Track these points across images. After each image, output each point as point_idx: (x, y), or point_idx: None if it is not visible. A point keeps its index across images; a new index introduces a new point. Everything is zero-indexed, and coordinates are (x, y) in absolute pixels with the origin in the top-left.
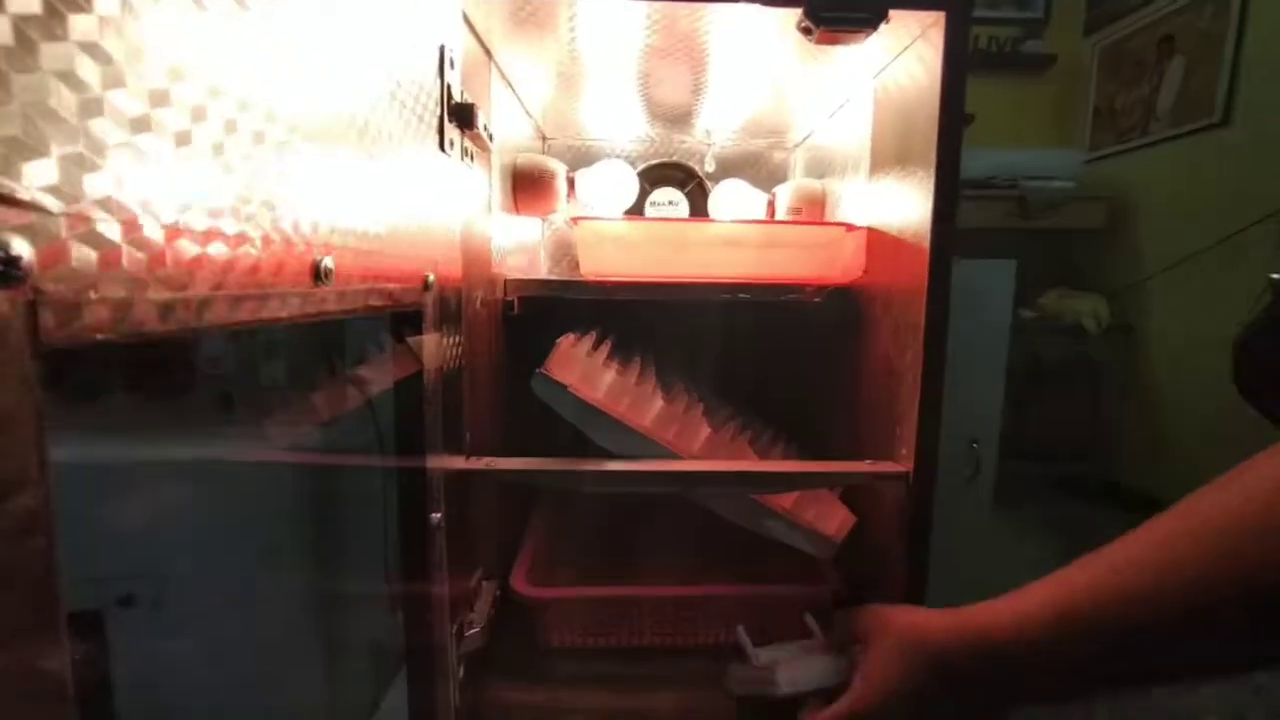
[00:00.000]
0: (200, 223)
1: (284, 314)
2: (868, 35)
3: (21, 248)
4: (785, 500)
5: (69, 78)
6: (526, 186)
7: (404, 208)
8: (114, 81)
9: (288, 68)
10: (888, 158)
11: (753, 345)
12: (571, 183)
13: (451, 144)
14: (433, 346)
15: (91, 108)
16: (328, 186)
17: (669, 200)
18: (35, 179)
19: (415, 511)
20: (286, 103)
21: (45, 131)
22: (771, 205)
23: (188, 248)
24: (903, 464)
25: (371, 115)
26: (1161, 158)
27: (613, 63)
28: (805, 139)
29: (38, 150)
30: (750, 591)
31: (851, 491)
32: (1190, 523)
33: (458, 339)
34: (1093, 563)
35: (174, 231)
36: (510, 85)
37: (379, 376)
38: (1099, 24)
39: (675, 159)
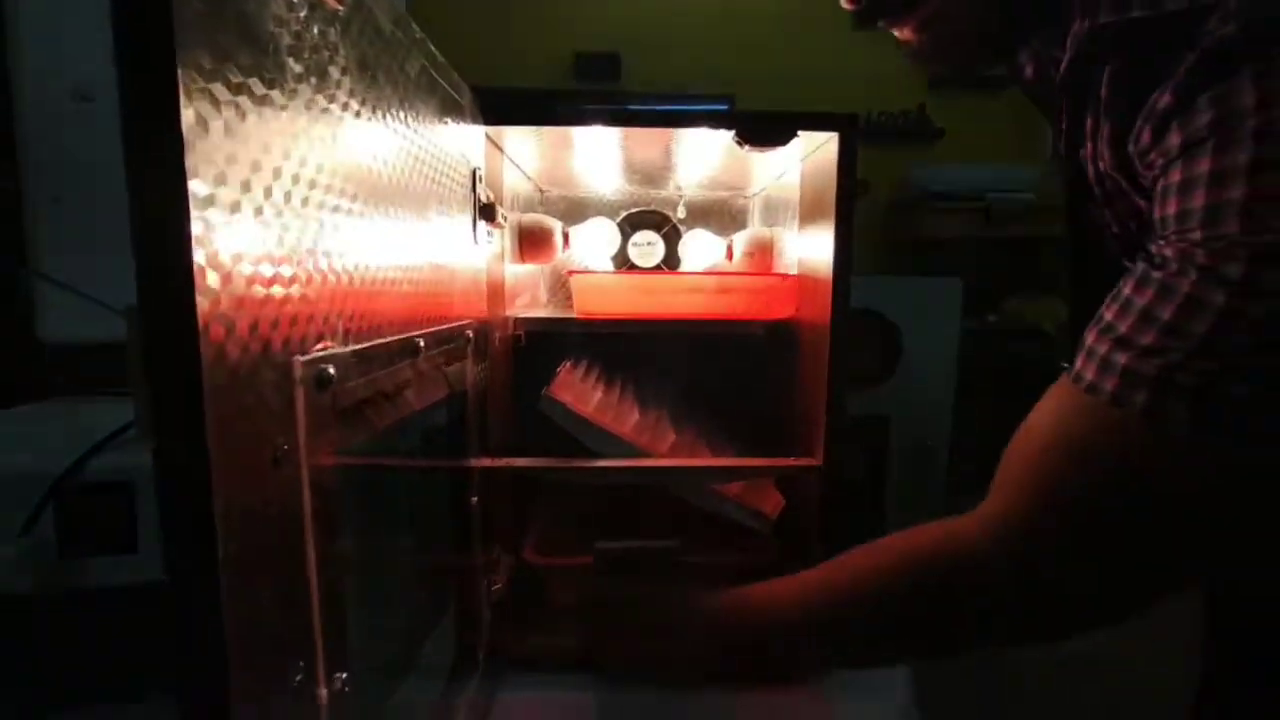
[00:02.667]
0: (387, 330)
1: (408, 376)
2: (784, 146)
3: (331, 371)
4: (734, 488)
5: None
6: (530, 241)
7: (454, 283)
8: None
9: (410, 213)
10: (809, 217)
11: (710, 368)
12: (566, 236)
13: (480, 232)
14: (470, 374)
15: (362, 285)
16: (418, 283)
17: (648, 241)
18: (336, 329)
19: (461, 497)
20: (407, 240)
21: (326, 304)
22: (730, 250)
23: (382, 349)
24: (816, 459)
25: (442, 226)
26: None
27: (595, 154)
28: (760, 191)
29: (324, 316)
30: (709, 559)
31: (783, 481)
32: (834, 572)
33: (484, 366)
34: (786, 580)
35: (375, 345)
36: (514, 164)
37: (436, 397)
38: None
39: (652, 207)
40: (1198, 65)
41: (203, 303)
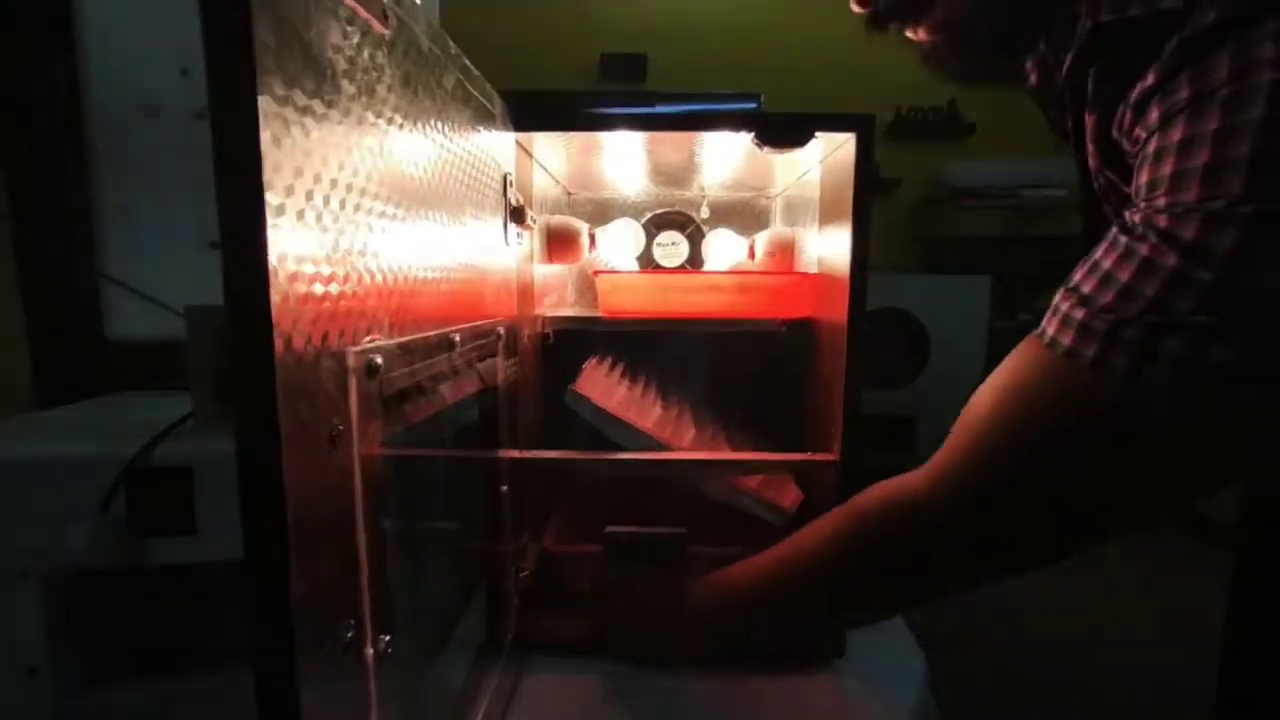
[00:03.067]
0: (427, 325)
1: (444, 369)
2: (802, 148)
3: (379, 361)
4: (752, 482)
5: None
6: (558, 242)
7: (486, 283)
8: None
9: (446, 217)
10: (828, 217)
11: (731, 365)
12: (593, 237)
13: (510, 234)
14: (501, 370)
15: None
16: (455, 282)
17: (672, 241)
18: (383, 326)
19: (493, 485)
20: (444, 242)
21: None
22: (752, 249)
23: (422, 343)
24: (834, 454)
25: (476, 230)
26: None
27: (620, 156)
28: (782, 191)
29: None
30: (726, 552)
31: (801, 476)
32: (794, 543)
33: (514, 362)
34: (766, 553)
35: (416, 338)
36: (543, 168)
37: (469, 391)
38: None
39: (677, 208)
40: (1179, 48)
41: (275, 299)
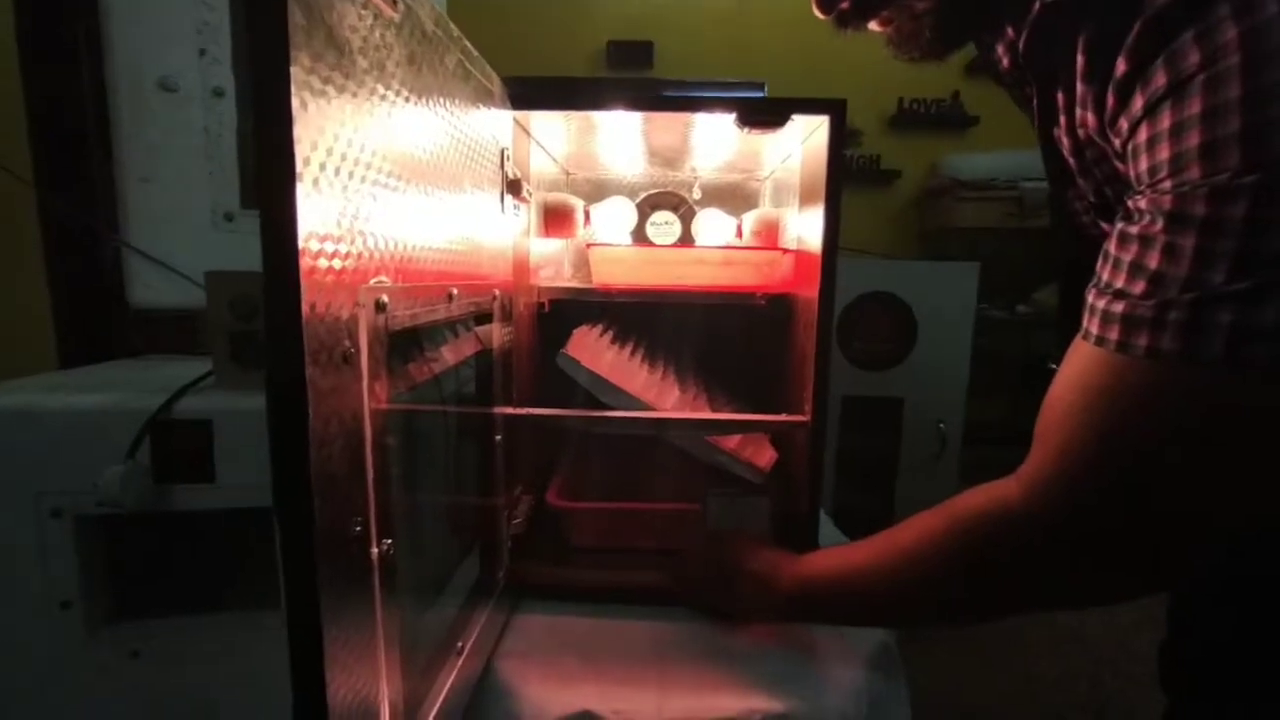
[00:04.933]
0: (428, 277)
1: (441, 317)
2: (782, 128)
3: (386, 300)
4: (731, 442)
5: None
6: (553, 217)
7: (484, 249)
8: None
9: (447, 184)
10: (807, 198)
11: (714, 336)
12: (587, 214)
13: (507, 205)
14: (497, 334)
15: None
16: (455, 244)
17: (665, 220)
18: (391, 270)
19: (486, 438)
20: (445, 208)
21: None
22: (739, 228)
23: (423, 292)
24: (806, 416)
25: (474, 199)
26: None
27: (614, 137)
28: (770, 173)
29: (386, 254)
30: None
31: (777, 438)
32: (890, 543)
33: (510, 329)
34: (853, 549)
35: (418, 286)
36: (542, 147)
37: (467, 352)
38: None
39: (670, 188)
40: (1144, 32)
41: (303, 240)
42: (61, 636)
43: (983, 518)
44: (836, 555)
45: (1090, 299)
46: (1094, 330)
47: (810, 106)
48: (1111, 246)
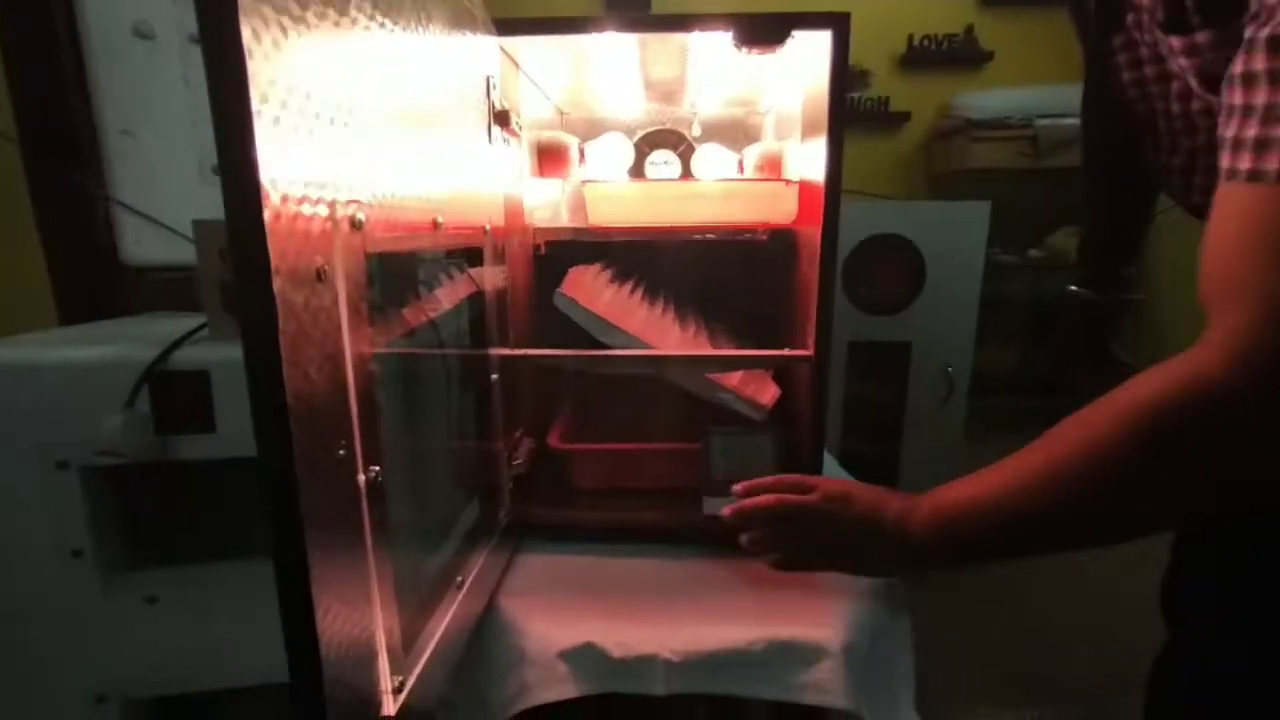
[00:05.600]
0: (410, 205)
1: (426, 245)
2: (782, 47)
3: (362, 217)
4: (733, 379)
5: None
6: (548, 157)
7: (471, 182)
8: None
9: (428, 111)
10: (809, 129)
11: (717, 272)
12: (582, 152)
13: (496, 137)
14: (489, 275)
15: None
16: (438, 171)
17: (664, 160)
18: (366, 193)
19: (483, 379)
20: (426, 135)
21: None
22: (741, 164)
23: (404, 215)
24: (810, 350)
25: (458, 127)
26: None
27: (610, 68)
28: (772, 108)
29: (360, 180)
30: None
31: (780, 374)
32: (1050, 450)
33: (504, 269)
34: (997, 470)
35: (399, 209)
36: (534, 82)
37: (461, 293)
38: None
39: (669, 125)
40: None
41: (264, 161)
42: (80, 584)
43: (1178, 401)
44: (978, 482)
45: (1231, 134)
46: (1242, 167)
47: (811, 21)
48: (1235, 97)
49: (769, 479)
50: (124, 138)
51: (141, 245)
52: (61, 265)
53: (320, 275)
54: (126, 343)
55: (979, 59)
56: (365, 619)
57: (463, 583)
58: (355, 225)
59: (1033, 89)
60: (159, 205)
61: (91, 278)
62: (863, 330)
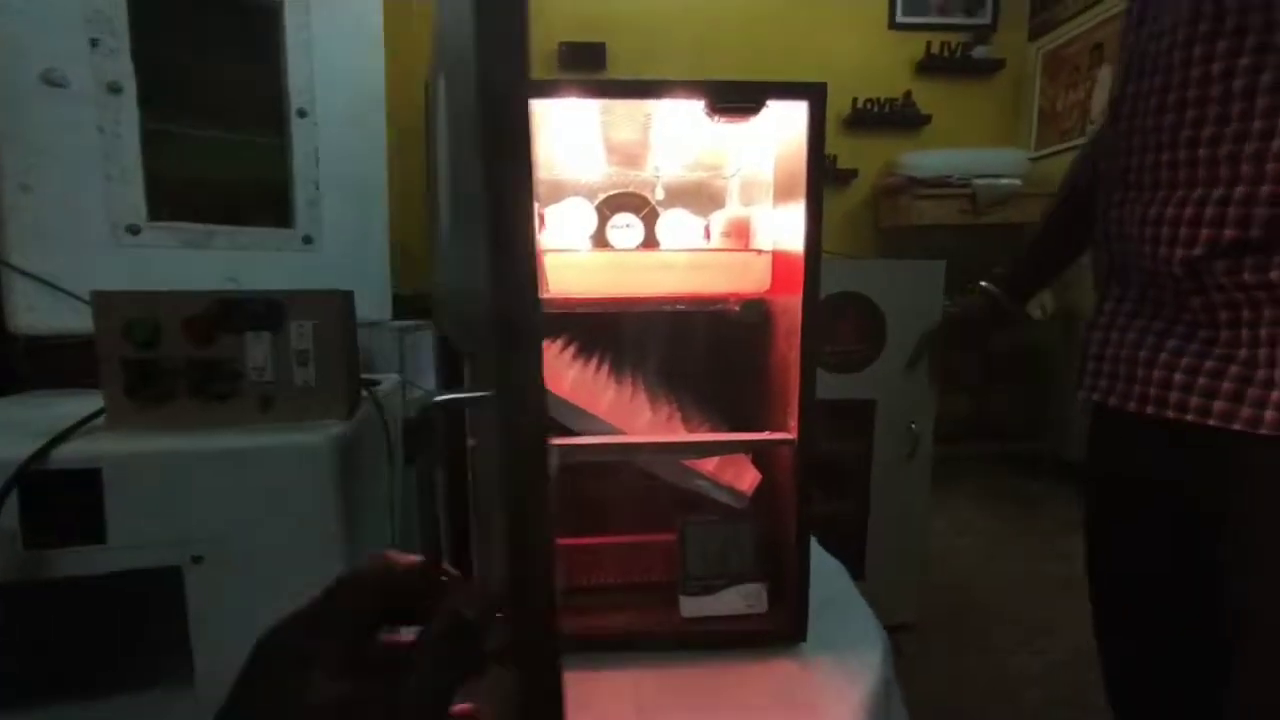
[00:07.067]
0: None
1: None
2: (755, 115)
3: None
4: (709, 464)
5: None
6: None
7: None
8: None
9: None
10: (783, 194)
11: (687, 346)
12: (542, 217)
13: None
14: None
15: None
16: None
17: (626, 224)
18: None
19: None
20: None
21: None
22: (707, 230)
23: None
24: (791, 433)
25: None
26: None
27: (570, 134)
28: (738, 172)
29: None
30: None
31: (759, 457)
32: None
33: None
34: None
35: None
36: None
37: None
38: (1041, 30)
39: (631, 189)
40: None
41: None
42: None
43: None
44: None
45: None
46: None
47: (786, 91)
48: None
49: None
50: (22, 192)
51: (33, 312)
52: None
53: None
54: (2, 436)
55: (918, 122)
56: None
57: None
58: None
59: (967, 151)
60: (59, 268)
61: None
62: (827, 389)
